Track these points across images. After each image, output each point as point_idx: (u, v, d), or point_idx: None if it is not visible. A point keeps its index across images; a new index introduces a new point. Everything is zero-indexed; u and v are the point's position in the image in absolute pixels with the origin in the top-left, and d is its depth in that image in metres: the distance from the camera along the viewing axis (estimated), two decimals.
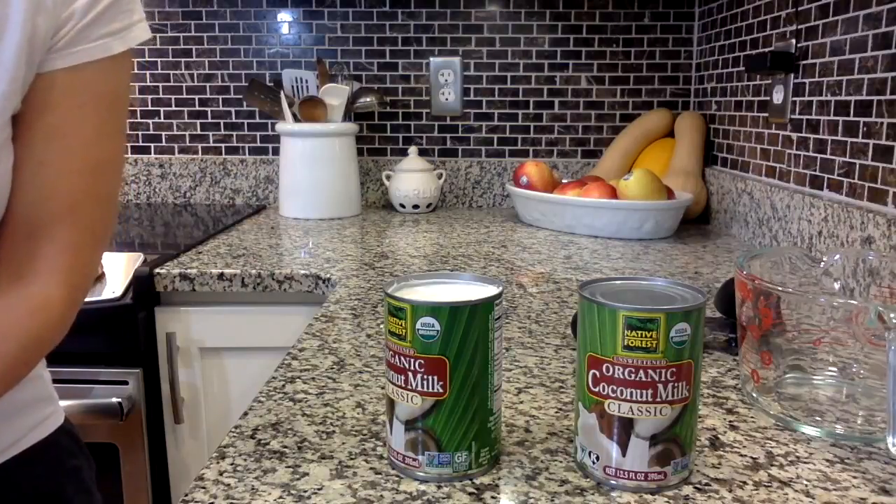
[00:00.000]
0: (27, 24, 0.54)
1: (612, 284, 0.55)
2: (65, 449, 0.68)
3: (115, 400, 1.10)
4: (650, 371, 0.48)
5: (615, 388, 0.50)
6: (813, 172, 1.16)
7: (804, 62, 1.19)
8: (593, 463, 0.52)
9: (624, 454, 0.50)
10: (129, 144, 1.82)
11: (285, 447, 0.57)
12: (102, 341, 1.12)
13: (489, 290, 0.53)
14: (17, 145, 0.57)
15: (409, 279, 0.56)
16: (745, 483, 0.51)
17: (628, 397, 0.49)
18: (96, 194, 0.61)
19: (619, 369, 0.49)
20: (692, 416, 0.51)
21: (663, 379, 0.49)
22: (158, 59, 1.78)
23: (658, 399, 0.49)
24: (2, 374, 0.55)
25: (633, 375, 0.49)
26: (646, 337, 0.48)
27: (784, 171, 1.26)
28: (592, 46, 1.74)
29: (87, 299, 1.09)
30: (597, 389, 0.50)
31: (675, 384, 0.49)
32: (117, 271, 1.15)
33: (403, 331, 0.50)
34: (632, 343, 0.48)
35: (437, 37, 1.75)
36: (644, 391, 0.49)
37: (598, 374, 0.50)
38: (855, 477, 0.53)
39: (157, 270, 1.14)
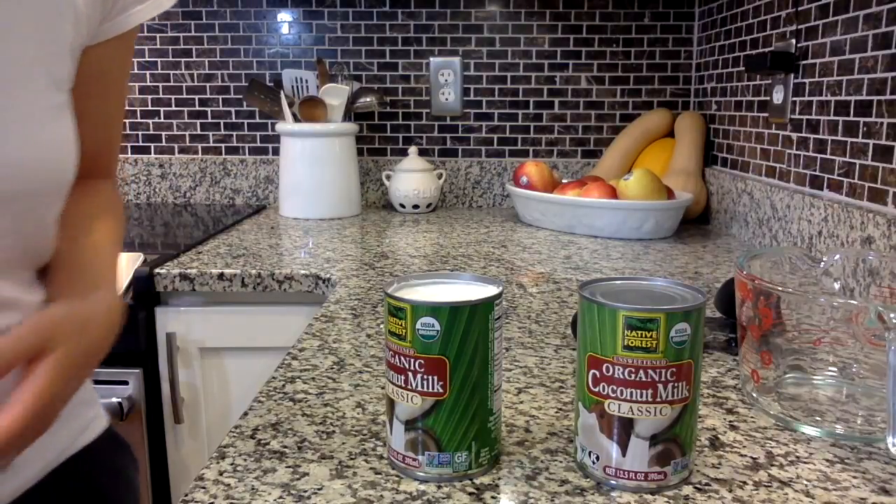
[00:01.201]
0: None
1: (612, 284, 0.54)
2: (111, 449, 0.69)
3: (115, 400, 1.10)
4: (650, 371, 0.48)
5: (615, 388, 0.49)
6: (813, 172, 1.16)
7: (804, 62, 1.19)
8: (593, 463, 0.52)
9: (624, 454, 0.50)
10: (129, 144, 1.82)
11: (285, 447, 0.57)
12: None
13: (489, 290, 0.53)
14: (83, 106, 0.62)
15: (409, 279, 0.56)
16: (745, 483, 0.51)
17: (628, 397, 0.49)
18: (119, 134, 0.74)
19: (619, 369, 0.49)
20: (692, 417, 0.51)
21: (663, 379, 0.49)
22: (158, 59, 1.78)
23: (658, 399, 0.49)
24: (120, 239, 0.67)
25: (633, 375, 0.49)
26: (646, 337, 0.48)
27: (784, 171, 1.26)
28: (592, 46, 1.74)
29: None
30: (597, 389, 0.50)
31: (675, 384, 0.49)
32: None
33: (403, 331, 0.50)
34: (632, 343, 0.48)
35: (437, 37, 1.75)
36: (644, 391, 0.49)
37: (598, 374, 0.50)
38: (855, 477, 0.53)
39: (157, 270, 1.14)
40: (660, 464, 0.50)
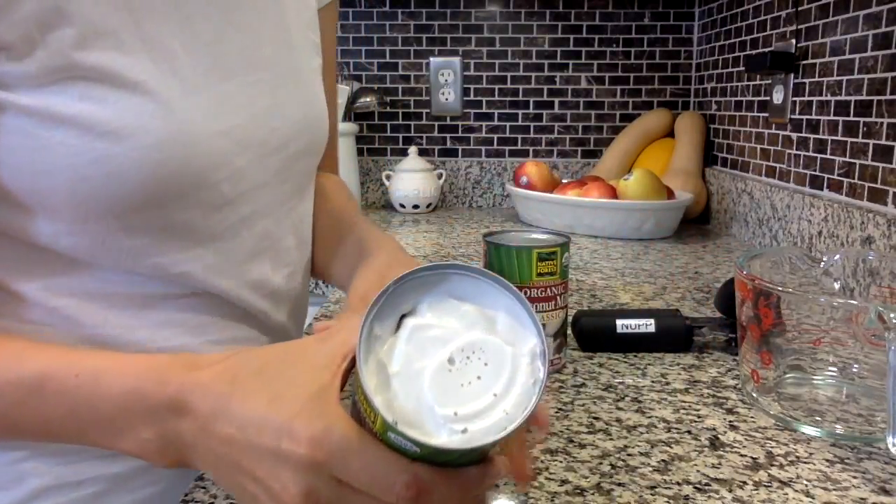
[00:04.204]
0: None
1: (508, 234, 0.72)
2: None
3: None
4: (553, 288, 0.69)
5: (532, 304, 0.62)
6: (813, 172, 1.16)
7: (804, 62, 1.19)
8: None
9: None
10: None
11: None
12: None
13: (518, 393, 0.36)
14: None
15: (415, 277, 0.39)
16: (745, 483, 0.51)
17: (541, 309, 0.69)
18: (336, 112, 0.75)
19: (534, 290, 0.68)
20: (567, 316, 0.73)
21: (559, 293, 0.70)
22: None
23: (557, 307, 0.70)
24: None
25: (543, 293, 0.69)
26: (550, 265, 0.68)
27: (784, 171, 1.26)
28: (592, 46, 1.74)
29: None
30: None
31: (563, 295, 0.70)
32: None
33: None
34: (542, 271, 0.68)
35: (437, 37, 1.75)
36: (549, 303, 0.69)
37: None
38: (855, 477, 0.53)
39: None
40: (557, 352, 0.71)
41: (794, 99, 1.22)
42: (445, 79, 1.76)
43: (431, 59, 1.76)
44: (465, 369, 0.36)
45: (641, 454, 0.55)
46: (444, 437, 0.34)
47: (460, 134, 1.79)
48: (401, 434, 0.34)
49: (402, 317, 0.38)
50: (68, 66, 0.44)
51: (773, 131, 1.30)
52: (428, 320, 0.37)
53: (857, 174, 1.03)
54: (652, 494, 0.50)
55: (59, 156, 0.45)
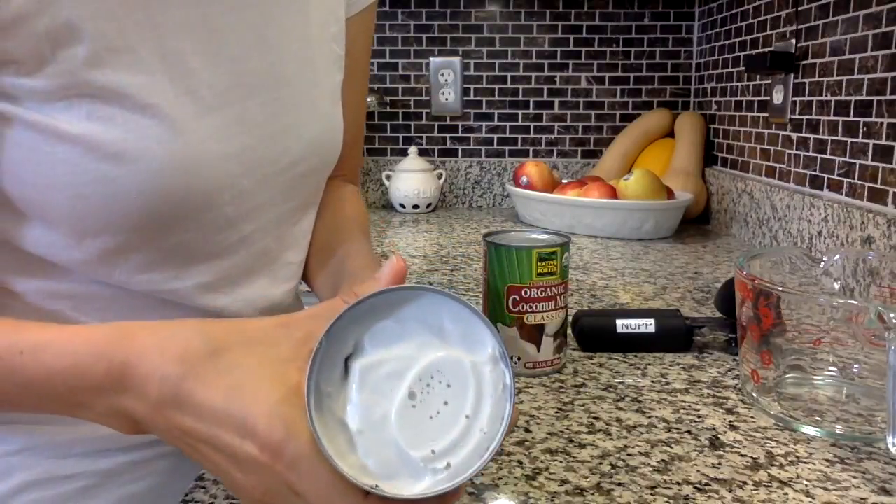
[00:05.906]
0: None
1: (509, 234, 0.72)
2: None
3: None
4: (553, 288, 0.69)
5: (532, 304, 0.68)
6: (813, 172, 1.16)
7: (804, 62, 1.19)
8: (515, 363, 0.70)
9: (539, 350, 0.69)
10: None
11: None
12: None
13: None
14: None
15: (344, 317, 0.36)
16: (745, 483, 0.51)
17: (541, 309, 0.69)
18: (364, 122, 0.74)
19: (534, 291, 0.68)
20: (567, 317, 0.72)
21: (559, 293, 0.70)
22: None
23: (557, 307, 0.70)
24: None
25: (543, 293, 0.68)
26: (550, 265, 0.68)
27: (784, 171, 1.26)
28: (592, 46, 1.74)
29: None
30: (516, 309, 0.69)
31: (563, 295, 0.70)
32: None
33: None
34: (542, 271, 0.68)
35: (437, 37, 1.75)
36: (549, 303, 0.69)
37: (517, 297, 0.68)
38: (855, 477, 0.53)
39: None
40: (558, 352, 0.71)
41: (794, 99, 1.22)
42: (445, 79, 1.76)
43: (431, 59, 1.76)
44: (428, 399, 0.34)
45: (641, 454, 0.55)
46: (427, 481, 0.33)
47: (460, 134, 1.79)
48: (385, 495, 0.32)
49: (347, 360, 0.36)
50: (78, 84, 0.44)
51: (773, 131, 1.30)
52: (374, 357, 0.35)
53: (857, 174, 1.03)
54: (652, 494, 0.50)
55: (60, 172, 0.45)
